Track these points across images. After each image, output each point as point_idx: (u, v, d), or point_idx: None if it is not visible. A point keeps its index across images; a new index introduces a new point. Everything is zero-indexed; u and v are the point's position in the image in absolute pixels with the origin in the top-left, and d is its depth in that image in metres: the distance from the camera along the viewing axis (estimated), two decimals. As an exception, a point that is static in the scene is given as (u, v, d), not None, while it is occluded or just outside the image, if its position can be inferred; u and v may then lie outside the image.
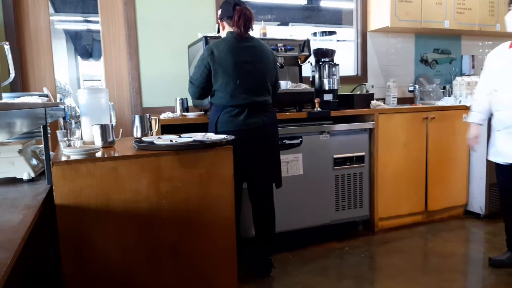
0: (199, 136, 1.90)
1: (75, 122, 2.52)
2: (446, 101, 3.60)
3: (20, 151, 1.82)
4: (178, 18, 3.25)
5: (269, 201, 2.44)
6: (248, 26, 2.26)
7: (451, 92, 3.85)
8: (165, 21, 3.22)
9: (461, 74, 4.22)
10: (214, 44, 2.24)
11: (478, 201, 3.44)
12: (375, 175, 3.11)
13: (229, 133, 2.03)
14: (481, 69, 3.98)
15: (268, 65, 2.33)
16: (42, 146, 2.16)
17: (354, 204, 3.07)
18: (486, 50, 4.49)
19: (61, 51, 6.16)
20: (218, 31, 2.57)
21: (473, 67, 4.29)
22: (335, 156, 2.95)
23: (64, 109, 2.37)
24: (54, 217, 1.55)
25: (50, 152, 1.77)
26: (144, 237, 1.66)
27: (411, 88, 3.97)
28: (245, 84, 2.22)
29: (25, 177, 1.80)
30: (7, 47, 1.37)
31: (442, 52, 4.26)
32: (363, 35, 3.94)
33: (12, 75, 1.38)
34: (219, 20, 2.37)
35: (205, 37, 2.63)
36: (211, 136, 1.90)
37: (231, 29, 2.27)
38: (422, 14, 3.71)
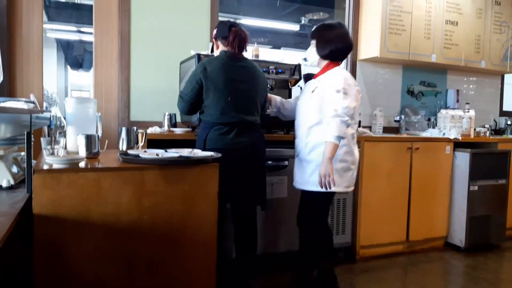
0: (185, 152, 1.89)
1: (59, 133, 2.48)
2: (431, 133, 3.66)
3: (1, 157, 1.77)
4: (172, 34, 3.28)
5: (252, 223, 2.42)
6: (242, 47, 2.29)
7: (436, 124, 3.93)
8: (159, 37, 3.24)
9: (446, 107, 4.32)
10: (207, 60, 2.26)
11: (458, 234, 3.47)
12: (359, 202, 3.12)
13: (217, 150, 2.01)
14: (466, 103, 4.10)
15: (259, 85, 2.35)
16: (24, 153, 2.11)
17: (336, 230, 3.06)
18: (471, 86, 4.62)
19: (51, 59, 6.14)
20: (212, 51, 2.59)
21: (458, 101, 4.40)
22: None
23: (49, 117, 2.34)
24: (31, 227, 1.51)
25: (32, 160, 1.73)
26: (122, 251, 1.62)
27: (397, 118, 4.04)
28: (236, 102, 2.22)
29: (4, 184, 1.75)
30: (-3, 50, 1.36)
31: (428, 85, 4.36)
32: (352, 64, 4.02)
33: (0, 77, 1.36)
34: (213, 39, 2.39)
35: (198, 54, 2.65)
36: (198, 153, 1.89)
37: (225, 49, 2.29)
38: (411, 46, 3.81)
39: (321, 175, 2.14)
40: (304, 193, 2.39)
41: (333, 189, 2.22)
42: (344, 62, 4.08)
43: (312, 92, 2.30)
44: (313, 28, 2.40)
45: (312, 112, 2.27)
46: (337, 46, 2.30)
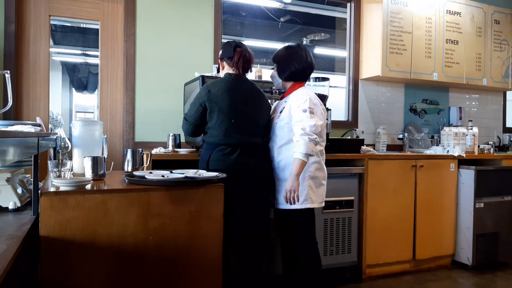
0: (190, 172, 1.90)
1: (64, 154, 2.51)
2: (434, 150, 3.66)
3: (8, 180, 1.79)
4: (177, 57, 3.33)
5: (256, 244, 2.40)
6: (247, 67, 2.32)
7: (439, 141, 3.93)
8: (163, 60, 3.30)
9: (449, 125, 4.33)
10: (211, 83, 2.29)
11: (465, 252, 3.43)
12: (364, 220, 3.10)
13: (220, 171, 2.03)
14: (469, 120, 4.12)
15: (263, 108, 2.38)
16: (29, 175, 2.13)
17: (342, 249, 3.04)
18: (474, 103, 4.64)
19: (56, 82, 6.22)
20: (218, 71, 2.63)
21: (461, 118, 4.42)
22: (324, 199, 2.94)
23: (55, 139, 2.37)
24: (37, 249, 1.51)
25: (39, 183, 1.75)
26: (128, 274, 1.62)
27: (400, 136, 4.05)
28: (240, 124, 2.24)
29: (10, 206, 1.77)
30: (7, 75, 1.39)
31: (431, 103, 4.39)
32: (354, 83, 4.05)
33: (10, 103, 1.39)
34: (219, 60, 2.43)
35: (202, 76, 2.69)
36: (203, 173, 1.90)
37: (230, 70, 2.33)
38: (412, 66, 3.85)
39: (287, 190, 2.17)
40: (284, 212, 2.37)
41: (309, 205, 2.27)
42: (346, 80, 4.12)
43: (280, 112, 2.36)
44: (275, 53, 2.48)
45: (281, 132, 2.33)
46: (296, 67, 2.36)
